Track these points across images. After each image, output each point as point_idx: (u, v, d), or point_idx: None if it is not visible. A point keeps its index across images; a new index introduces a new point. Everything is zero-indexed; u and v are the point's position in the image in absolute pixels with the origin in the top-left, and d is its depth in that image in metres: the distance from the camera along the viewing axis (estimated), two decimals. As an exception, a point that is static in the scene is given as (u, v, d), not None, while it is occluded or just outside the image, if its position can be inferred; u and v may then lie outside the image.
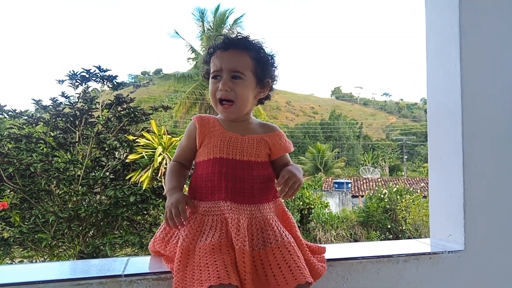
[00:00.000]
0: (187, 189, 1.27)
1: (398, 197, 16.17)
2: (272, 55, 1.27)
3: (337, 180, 24.55)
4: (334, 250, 1.33)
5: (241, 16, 22.52)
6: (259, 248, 1.11)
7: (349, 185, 23.43)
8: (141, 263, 1.22)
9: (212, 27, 22.32)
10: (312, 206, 16.54)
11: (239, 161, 1.18)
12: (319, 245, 1.26)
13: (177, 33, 23.30)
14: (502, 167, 1.48)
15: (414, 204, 15.01)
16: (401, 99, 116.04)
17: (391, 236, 15.74)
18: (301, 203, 16.24)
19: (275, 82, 1.29)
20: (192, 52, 23.41)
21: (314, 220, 16.18)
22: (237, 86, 1.18)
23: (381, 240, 15.38)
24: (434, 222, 1.53)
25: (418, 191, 17.34)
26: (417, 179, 25.80)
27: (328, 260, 1.22)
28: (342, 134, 54.15)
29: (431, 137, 1.55)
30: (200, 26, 22.73)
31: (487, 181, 1.44)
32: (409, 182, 22.74)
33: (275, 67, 1.28)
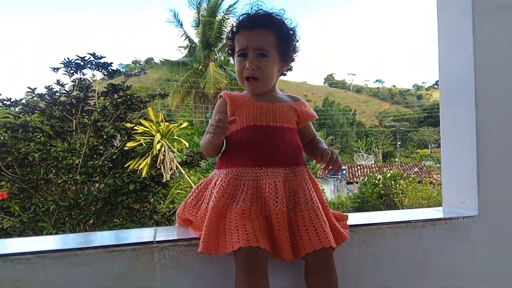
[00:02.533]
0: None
1: (393, 182, 16.35)
2: (294, 28, 1.28)
3: (332, 167, 24.57)
4: (354, 218, 1.37)
5: (235, 2, 21.94)
6: (289, 209, 1.15)
7: (344, 171, 23.57)
8: (168, 232, 1.25)
9: (206, 14, 21.86)
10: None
11: (272, 127, 1.22)
12: (342, 213, 1.31)
13: (176, 17, 22.38)
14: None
15: (410, 188, 15.20)
16: (394, 86, 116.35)
17: (386, 220, 15.94)
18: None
19: (296, 55, 1.31)
20: (186, 39, 23.03)
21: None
22: (263, 64, 1.22)
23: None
24: (447, 191, 1.58)
25: (412, 176, 17.54)
26: (411, 164, 26.04)
27: (350, 226, 1.27)
28: (335, 122, 54.21)
29: (443, 107, 1.58)
30: (196, 13, 22.20)
31: (500, 148, 1.48)
32: (402, 168, 22.96)
33: (297, 40, 1.30)
